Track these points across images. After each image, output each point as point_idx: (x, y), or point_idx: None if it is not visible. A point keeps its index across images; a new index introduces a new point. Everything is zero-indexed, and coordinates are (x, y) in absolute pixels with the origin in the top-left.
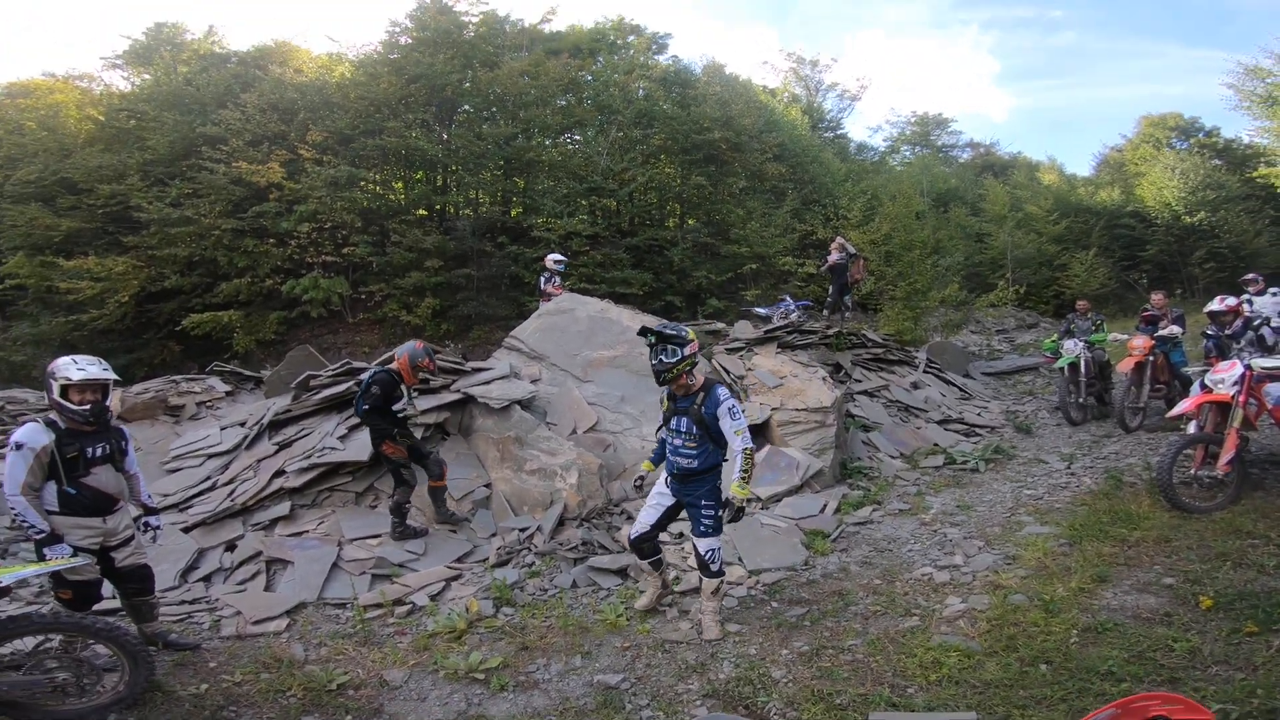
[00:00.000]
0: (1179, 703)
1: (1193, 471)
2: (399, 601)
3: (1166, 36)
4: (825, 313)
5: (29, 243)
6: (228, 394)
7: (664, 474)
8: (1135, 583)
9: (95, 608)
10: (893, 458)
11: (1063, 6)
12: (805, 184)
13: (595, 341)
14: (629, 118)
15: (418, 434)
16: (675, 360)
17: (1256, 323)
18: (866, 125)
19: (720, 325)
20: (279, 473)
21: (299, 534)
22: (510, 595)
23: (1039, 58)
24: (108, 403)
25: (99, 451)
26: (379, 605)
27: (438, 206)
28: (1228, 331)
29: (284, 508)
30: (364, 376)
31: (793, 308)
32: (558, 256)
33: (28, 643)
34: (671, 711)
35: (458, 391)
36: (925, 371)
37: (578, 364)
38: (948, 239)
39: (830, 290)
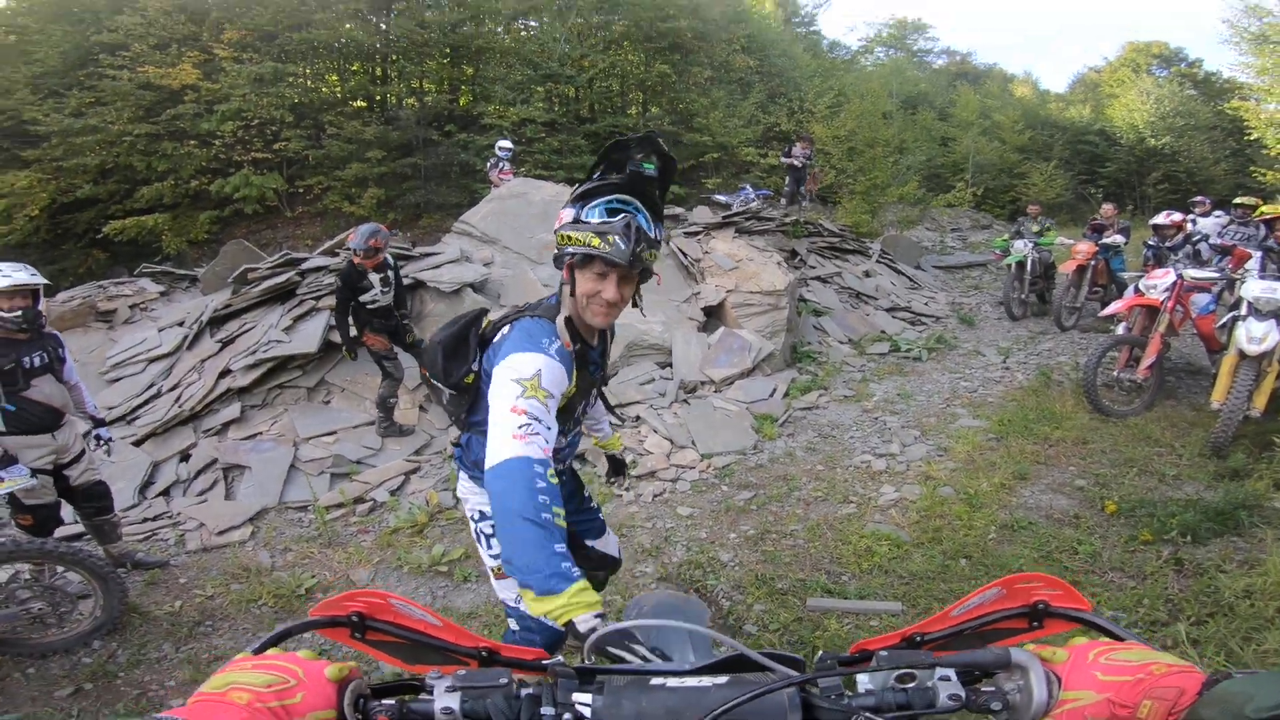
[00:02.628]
0: (1060, 587)
1: (1116, 374)
2: (359, 499)
3: None
4: (784, 202)
5: None
6: (161, 294)
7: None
8: (1051, 482)
9: (58, 533)
10: (841, 343)
11: None
12: (773, 77)
13: (550, 224)
14: (589, 3)
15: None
16: (657, 239)
17: (1196, 238)
18: (844, 24)
19: (680, 210)
20: (225, 372)
21: (252, 436)
22: None
23: None
24: (39, 308)
25: (37, 361)
26: (340, 505)
27: (378, 97)
28: (1168, 244)
29: (234, 410)
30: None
31: (752, 196)
32: (506, 143)
33: None
34: (628, 594)
35: (406, 277)
36: (878, 262)
37: (532, 246)
38: (912, 140)
39: (788, 181)
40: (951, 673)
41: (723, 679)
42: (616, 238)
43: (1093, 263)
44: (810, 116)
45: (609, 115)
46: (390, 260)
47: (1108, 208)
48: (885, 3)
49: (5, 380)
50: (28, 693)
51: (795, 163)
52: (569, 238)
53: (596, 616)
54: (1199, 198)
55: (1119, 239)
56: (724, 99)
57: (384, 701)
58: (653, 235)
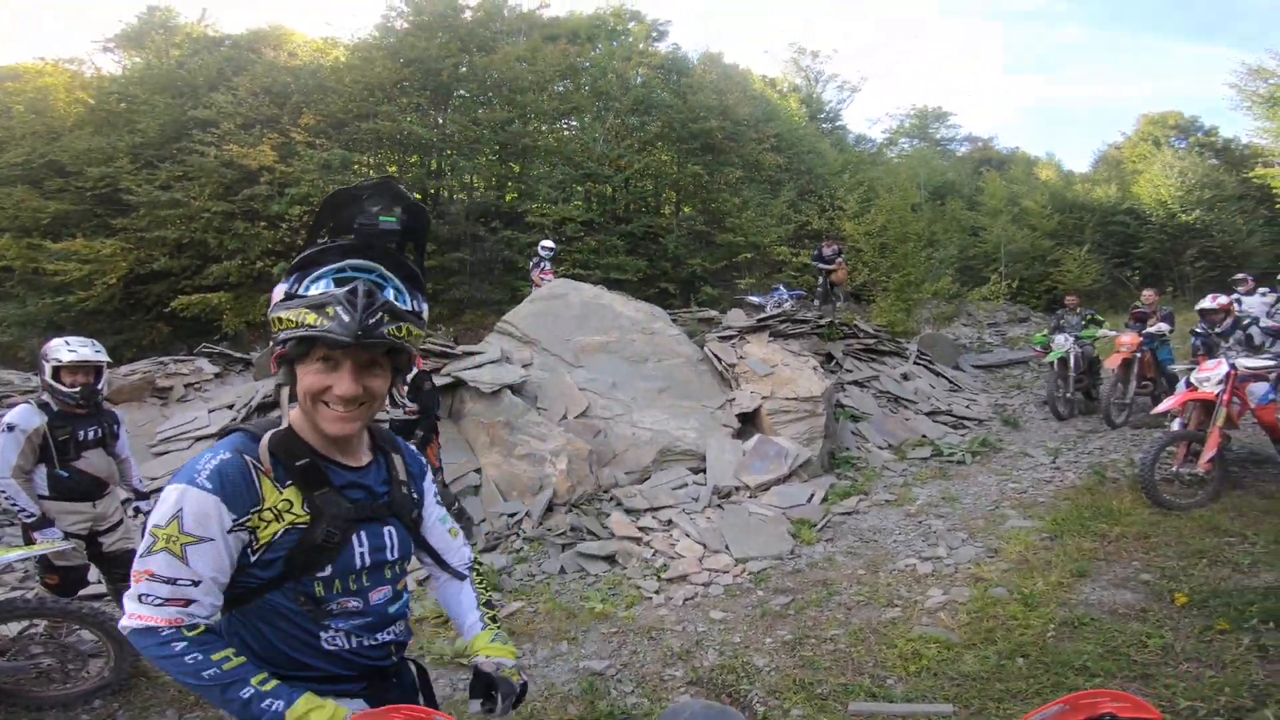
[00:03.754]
0: (1126, 700)
1: (1175, 469)
2: None
3: (1172, 33)
4: (817, 303)
5: (15, 225)
6: (216, 375)
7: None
8: (1113, 578)
9: (81, 593)
10: (881, 448)
11: (1067, 1)
12: (802, 174)
13: (588, 327)
14: (626, 105)
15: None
16: (412, 312)
17: (1246, 322)
18: (866, 117)
19: (713, 313)
20: None
21: None
22: (498, 581)
23: (1043, 50)
24: (99, 385)
25: (91, 435)
26: None
27: (431, 190)
28: (1218, 330)
29: None
30: None
31: (786, 297)
32: (549, 243)
33: (12, 628)
34: (656, 697)
35: (448, 375)
36: (916, 363)
37: (569, 349)
38: (943, 231)
39: (821, 281)
40: None
41: None
42: (338, 309)
43: (1138, 355)
44: (840, 214)
45: (644, 215)
46: (410, 378)
47: (1148, 294)
48: (906, 94)
49: (59, 450)
50: None
51: (825, 265)
52: (280, 320)
53: None
54: (1240, 275)
55: (1164, 327)
56: (755, 198)
57: None
58: (405, 306)
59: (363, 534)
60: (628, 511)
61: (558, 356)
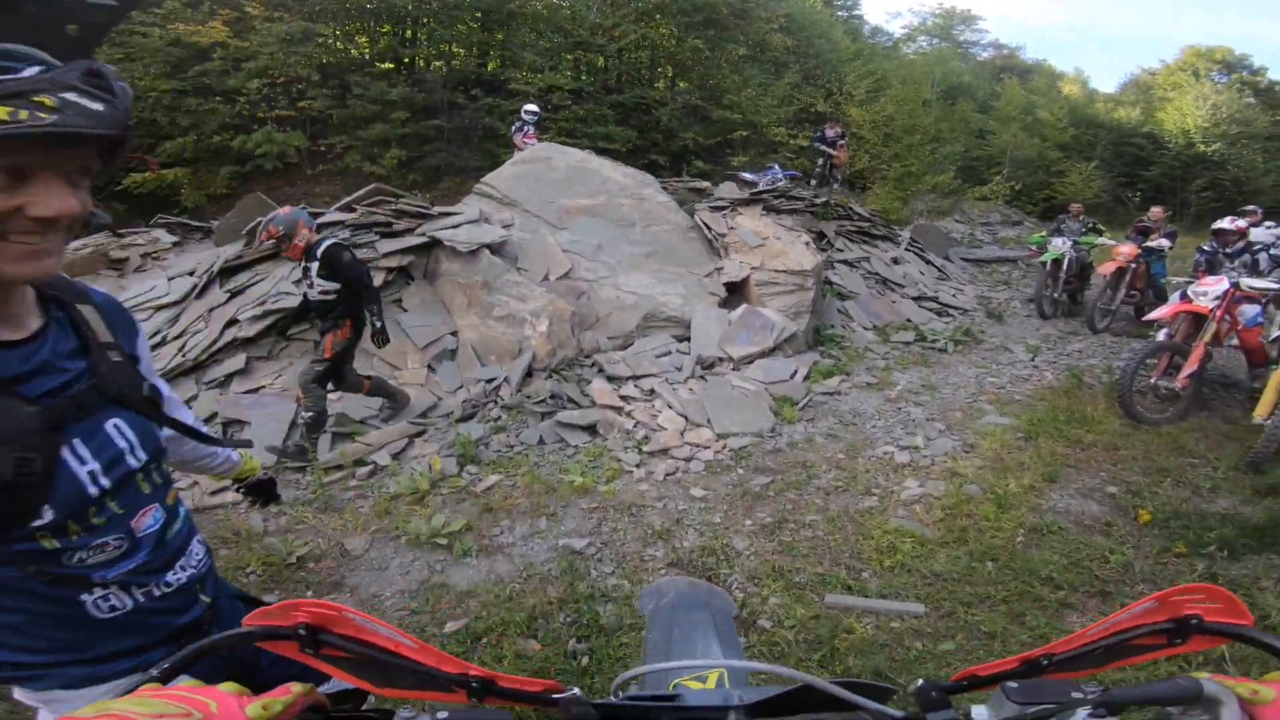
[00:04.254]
0: (1220, 599)
1: (1153, 380)
2: (360, 461)
3: None
4: (814, 183)
5: None
6: (175, 245)
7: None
8: (1082, 487)
9: None
10: (865, 329)
11: None
12: (810, 58)
13: (573, 190)
14: None
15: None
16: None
17: (1256, 248)
18: (886, 10)
19: (705, 184)
20: (231, 322)
21: (255, 390)
22: (475, 452)
23: None
24: None
25: None
26: (339, 466)
27: (406, 59)
28: (1228, 250)
29: (239, 361)
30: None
31: (780, 176)
32: (532, 107)
33: None
34: (636, 579)
35: (423, 235)
36: (907, 250)
37: (553, 211)
38: (950, 130)
39: (821, 162)
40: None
41: None
42: (69, 95)
43: (1133, 265)
44: (849, 100)
45: (637, 86)
46: (320, 252)
47: (1156, 210)
48: None
49: None
50: None
51: (826, 148)
52: None
53: None
54: (1251, 207)
55: (1164, 243)
56: (757, 78)
57: None
58: (117, 114)
59: (76, 443)
60: (609, 379)
61: (540, 218)
